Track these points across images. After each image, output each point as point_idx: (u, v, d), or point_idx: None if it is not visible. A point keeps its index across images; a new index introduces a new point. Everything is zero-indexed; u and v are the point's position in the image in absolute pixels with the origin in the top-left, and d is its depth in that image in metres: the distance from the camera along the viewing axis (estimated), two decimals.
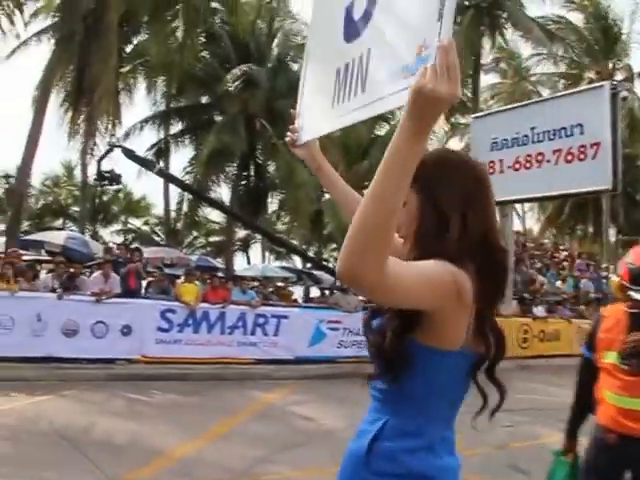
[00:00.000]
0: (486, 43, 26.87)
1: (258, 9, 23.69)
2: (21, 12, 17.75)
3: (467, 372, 1.75)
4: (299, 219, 22.56)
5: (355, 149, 23.36)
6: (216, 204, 24.83)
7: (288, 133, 2.34)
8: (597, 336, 3.39)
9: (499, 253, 1.74)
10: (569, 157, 13.78)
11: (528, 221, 37.40)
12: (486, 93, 31.26)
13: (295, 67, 23.96)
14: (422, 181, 1.68)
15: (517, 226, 30.08)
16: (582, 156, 13.51)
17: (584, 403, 3.49)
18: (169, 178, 21.09)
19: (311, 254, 33.79)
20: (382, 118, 24.69)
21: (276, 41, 23.80)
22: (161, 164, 24.22)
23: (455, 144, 29.66)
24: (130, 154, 20.84)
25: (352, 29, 1.98)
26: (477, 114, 18.96)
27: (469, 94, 26.30)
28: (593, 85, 17.34)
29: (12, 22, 17.11)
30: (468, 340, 1.68)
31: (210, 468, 6.40)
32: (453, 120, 29.29)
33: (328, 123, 2.15)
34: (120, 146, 20.73)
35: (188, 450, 6.99)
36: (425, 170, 1.64)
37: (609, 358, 3.29)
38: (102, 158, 21.68)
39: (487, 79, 29.77)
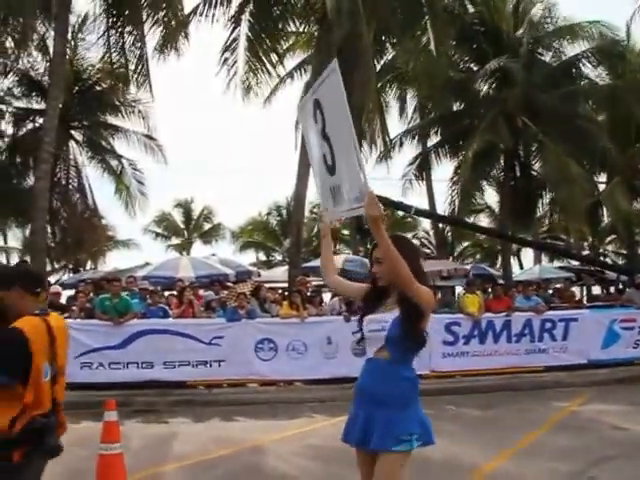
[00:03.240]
0: None
1: None
2: (277, 54, 18.60)
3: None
4: (574, 214, 21.20)
5: (625, 131, 21.54)
6: (477, 228, 24.63)
7: (323, 216, 4.15)
8: None
9: (427, 281, 3.62)
10: None
11: None
12: None
13: (547, 58, 22.64)
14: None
15: None
16: None
17: None
18: (427, 215, 21.26)
19: (586, 251, 31.95)
20: None
21: (523, 30, 22.54)
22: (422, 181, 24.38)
23: None
24: (385, 201, 21.23)
25: (330, 169, 3.83)
26: None
27: None
28: None
29: (273, 64, 18.03)
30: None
31: None
32: None
33: (333, 215, 4.08)
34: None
35: (495, 467, 6.78)
36: (396, 245, 3.35)
37: None
38: None
39: None
